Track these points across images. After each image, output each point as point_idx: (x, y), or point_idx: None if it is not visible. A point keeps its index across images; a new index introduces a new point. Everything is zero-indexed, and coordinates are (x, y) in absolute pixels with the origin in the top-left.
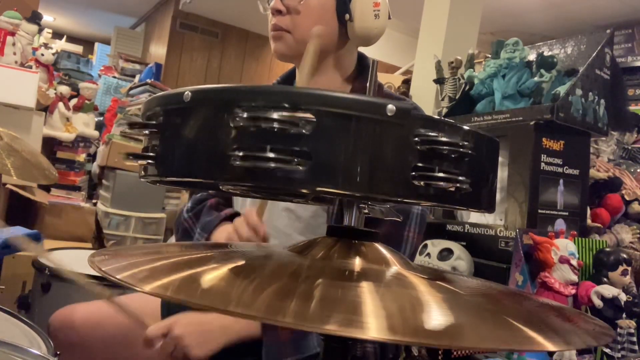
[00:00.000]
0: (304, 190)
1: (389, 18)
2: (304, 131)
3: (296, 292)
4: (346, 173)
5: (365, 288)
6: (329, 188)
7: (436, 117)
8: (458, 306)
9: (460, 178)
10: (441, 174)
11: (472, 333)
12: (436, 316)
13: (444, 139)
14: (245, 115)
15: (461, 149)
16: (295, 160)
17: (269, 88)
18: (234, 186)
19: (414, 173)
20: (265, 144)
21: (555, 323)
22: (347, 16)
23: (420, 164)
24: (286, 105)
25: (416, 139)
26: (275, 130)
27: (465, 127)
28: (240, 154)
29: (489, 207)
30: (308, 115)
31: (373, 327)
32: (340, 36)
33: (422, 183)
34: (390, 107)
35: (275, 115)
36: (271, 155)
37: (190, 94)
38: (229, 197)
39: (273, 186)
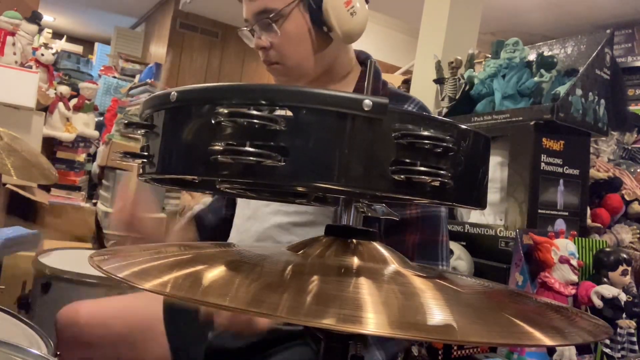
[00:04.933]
0: (284, 185)
1: (367, 2)
2: (282, 127)
3: (291, 288)
4: (324, 168)
5: (363, 285)
6: (307, 182)
7: (415, 111)
8: (457, 303)
9: (443, 172)
10: (422, 168)
11: (471, 328)
12: (435, 312)
13: (424, 133)
14: (225, 112)
15: (444, 144)
16: (274, 155)
17: (247, 86)
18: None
19: (393, 167)
20: (245, 140)
21: (554, 320)
22: (325, 29)
23: (400, 158)
24: (264, 102)
25: (395, 133)
26: (255, 126)
27: (449, 121)
28: (221, 149)
29: (478, 204)
30: (285, 111)
31: (371, 322)
32: (323, 40)
33: (402, 177)
34: (367, 102)
35: (253, 112)
36: (251, 150)
37: (176, 94)
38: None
39: (253, 181)
